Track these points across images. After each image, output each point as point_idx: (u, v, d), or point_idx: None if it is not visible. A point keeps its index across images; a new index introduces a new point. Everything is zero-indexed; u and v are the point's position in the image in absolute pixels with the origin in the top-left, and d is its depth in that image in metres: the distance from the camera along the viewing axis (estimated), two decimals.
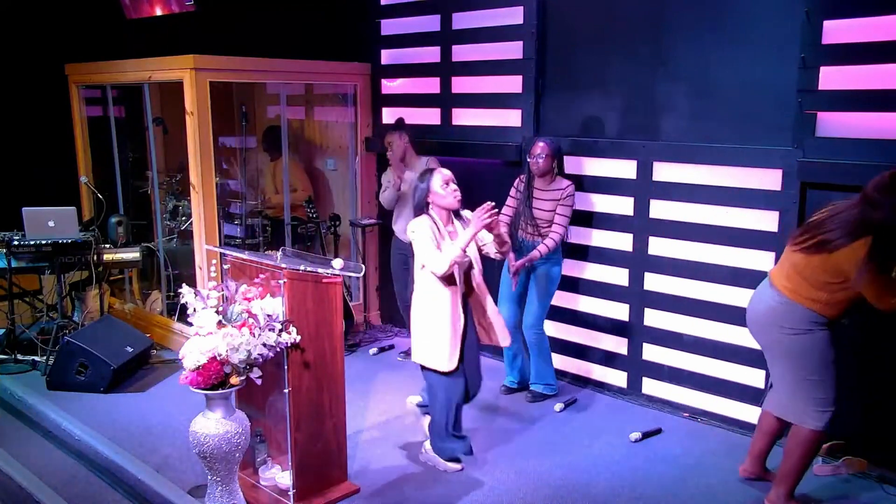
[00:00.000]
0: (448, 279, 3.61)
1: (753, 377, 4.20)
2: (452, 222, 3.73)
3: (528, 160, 4.48)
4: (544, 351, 4.67)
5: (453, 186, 3.67)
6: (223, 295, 3.29)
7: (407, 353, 5.54)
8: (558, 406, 4.58)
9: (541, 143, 4.43)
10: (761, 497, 3.55)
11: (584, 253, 4.84)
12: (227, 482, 3.29)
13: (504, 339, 3.84)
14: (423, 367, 3.75)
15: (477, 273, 3.75)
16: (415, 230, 3.61)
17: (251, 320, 3.19)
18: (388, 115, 5.93)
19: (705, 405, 4.42)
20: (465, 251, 3.55)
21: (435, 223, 3.65)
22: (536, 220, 4.48)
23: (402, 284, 5.35)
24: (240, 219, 6.02)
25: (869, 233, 3.03)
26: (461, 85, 5.41)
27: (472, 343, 3.78)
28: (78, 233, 5.34)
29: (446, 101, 5.50)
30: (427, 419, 4.01)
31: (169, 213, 6.21)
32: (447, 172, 3.71)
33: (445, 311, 3.63)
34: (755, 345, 4.16)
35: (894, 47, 3.53)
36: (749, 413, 4.24)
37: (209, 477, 3.29)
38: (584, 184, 4.75)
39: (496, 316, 3.84)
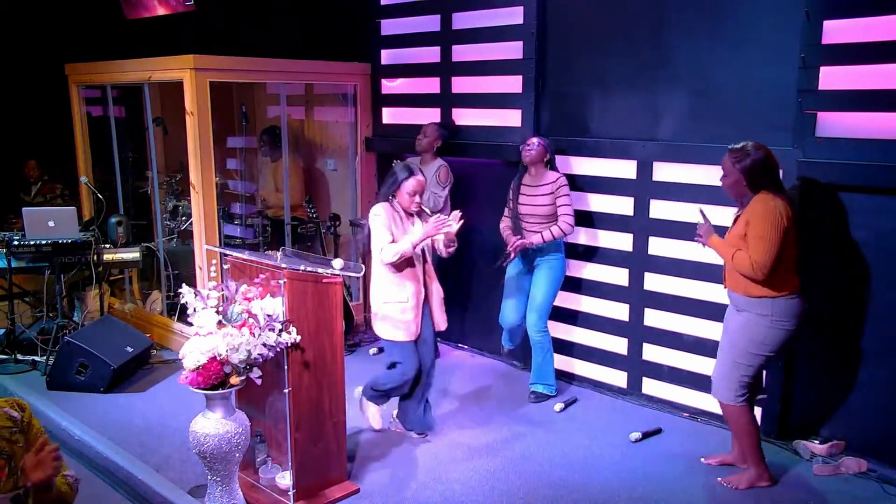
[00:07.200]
0: (407, 260, 3.87)
1: None
2: (413, 215, 3.95)
3: (522, 151, 4.60)
4: (548, 351, 4.68)
5: (417, 199, 3.90)
6: (223, 295, 3.29)
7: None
8: (558, 406, 4.58)
9: (535, 139, 4.62)
10: (761, 497, 3.56)
11: (584, 253, 4.84)
12: (227, 482, 3.30)
13: (440, 323, 4.06)
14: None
15: (426, 261, 4.01)
16: (377, 214, 3.86)
17: (251, 320, 3.20)
18: (388, 116, 5.93)
19: (705, 405, 4.41)
20: (415, 248, 3.82)
21: (396, 212, 3.91)
22: (522, 216, 4.58)
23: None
24: (240, 219, 6.02)
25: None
26: (461, 85, 5.41)
27: (428, 321, 4.03)
28: (78, 233, 5.35)
29: (446, 101, 5.50)
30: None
31: (169, 213, 6.21)
32: (420, 183, 3.88)
33: (409, 288, 3.89)
34: None
35: (894, 47, 3.53)
36: None
37: (209, 477, 3.30)
38: (584, 184, 4.75)
39: (439, 301, 4.05)
